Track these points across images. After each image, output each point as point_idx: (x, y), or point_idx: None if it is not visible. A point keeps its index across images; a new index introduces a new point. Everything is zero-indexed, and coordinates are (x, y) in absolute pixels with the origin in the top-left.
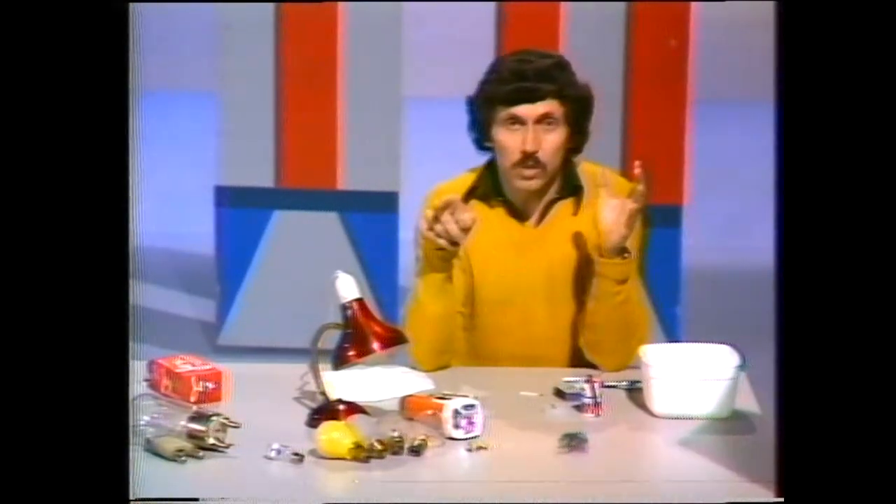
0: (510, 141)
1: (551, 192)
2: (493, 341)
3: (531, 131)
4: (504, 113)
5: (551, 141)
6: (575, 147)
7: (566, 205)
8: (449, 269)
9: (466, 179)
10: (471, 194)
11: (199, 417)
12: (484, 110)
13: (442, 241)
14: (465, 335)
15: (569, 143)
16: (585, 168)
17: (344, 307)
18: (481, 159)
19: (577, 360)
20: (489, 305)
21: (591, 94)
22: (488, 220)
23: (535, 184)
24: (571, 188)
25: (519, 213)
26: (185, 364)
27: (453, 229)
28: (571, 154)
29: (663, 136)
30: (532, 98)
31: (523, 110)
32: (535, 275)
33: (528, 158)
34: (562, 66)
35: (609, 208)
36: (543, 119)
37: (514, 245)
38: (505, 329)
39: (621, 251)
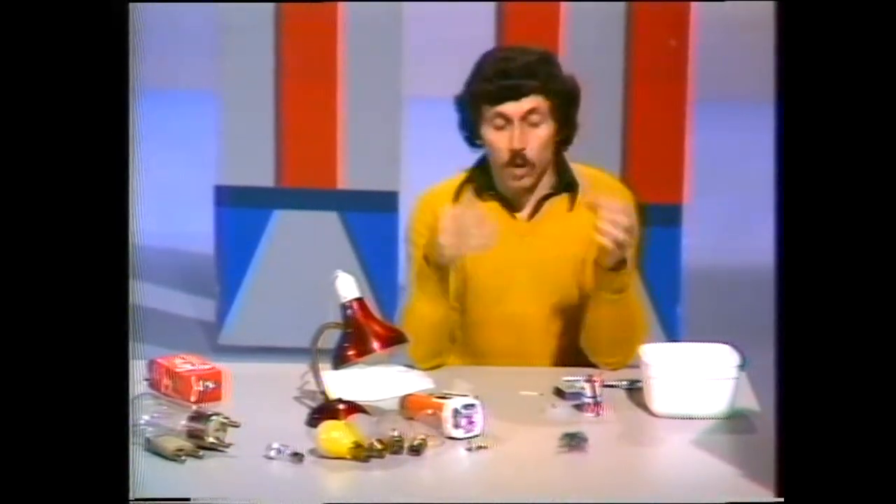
0: (498, 140)
1: (544, 187)
2: (485, 335)
3: (517, 129)
4: (490, 112)
5: (538, 137)
6: (565, 139)
7: (560, 201)
8: (446, 274)
9: (459, 179)
10: (463, 187)
11: (199, 417)
12: (471, 109)
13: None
14: (458, 329)
15: (557, 136)
16: (580, 170)
17: (344, 307)
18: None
19: (569, 356)
20: (480, 299)
21: (577, 86)
22: None
23: (526, 182)
24: (565, 184)
25: (511, 208)
26: (185, 363)
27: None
28: (562, 147)
29: (663, 136)
30: (516, 95)
31: (508, 108)
32: (527, 269)
33: (517, 157)
34: (545, 60)
35: (603, 228)
36: (529, 115)
37: (506, 239)
38: (496, 323)
39: (617, 266)
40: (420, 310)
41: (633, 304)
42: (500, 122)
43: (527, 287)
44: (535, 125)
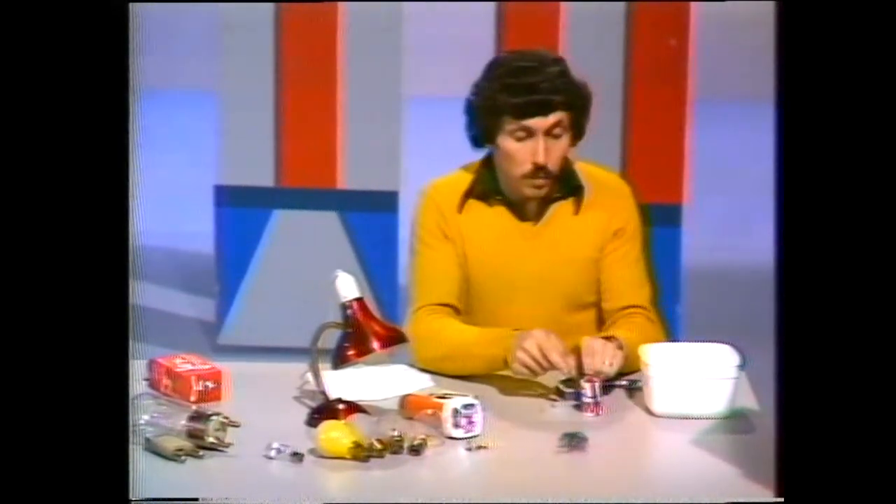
0: (519, 152)
1: (551, 191)
2: None
3: (541, 142)
4: (513, 124)
5: (560, 149)
6: (571, 144)
7: (566, 204)
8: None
9: (463, 176)
10: (469, 193)
11: (199, 417)
12: (489, 118)
13: (528, 368)
14: None
15: (571, 144)
16: (582, 168)
17: (344, 306)
18: (480, 157)
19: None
20: (485, 302)
21: (590, 94)
22: (487, 218)
23: (544, 192)
24: (571, 188)
25: (518, 212)
26: (184, 363)
27: (542, 362)
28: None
29: (663, 136)
30: (544, 111)
31: (535, 123)
32: (534, 272)
33: (540, 170)
34: (564, 72)
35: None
36: (553, 129)
37: (512, 243)
38: (501, 325)
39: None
40: (471, 355)
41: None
42: (521, 134)
43: (533, 290)
44: (557, 138)
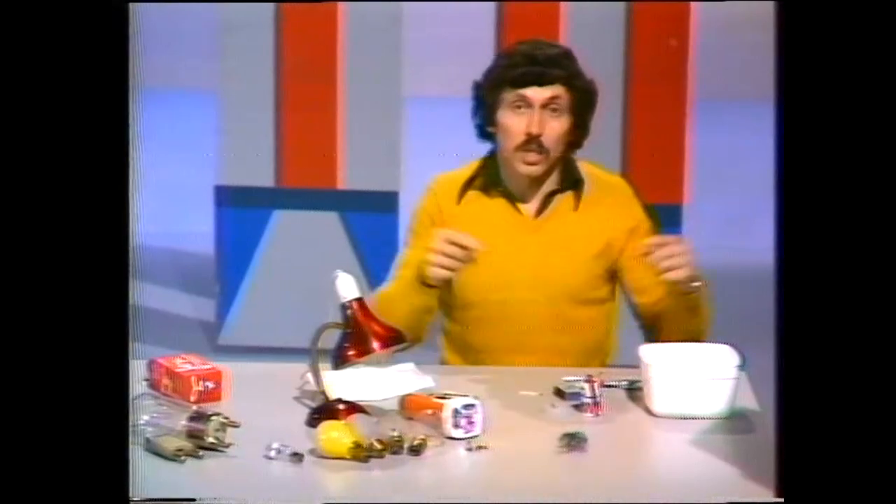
0: (516, 123)
1: (551, 184)
2: (488, 331)
3: (537, 114)
4: (512, 94)
5: (556, 127)
6: (575, 141)
7: (566, 198)
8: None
9: (468, 169)
10: (470, 184)
11: (199, 417)
12: (491, 93)
13: (446, 267)
14: (459, 325)
15: (569, 136)
16: (586, 167)
17: (344, 307)
18: (481, 158)
19: (571, 354)
20: (485, 294)
21: (596, 89)
22: (486, 211)
23: (536, 169)
24: (571, 182)
25: (518, 205)
26: (184, 363)
27: (457, 252)
28: (571, 149)
29: (663, 136)
30: (541, 81)
31: (531, 92)
32: (532, 265)
33: (532, 142)
34: (570, 56)
35: (671, 267)
36: (550, 103)
37: (512, 235)
38: (500, 319)
39: (694, 287)
40: (394, 296)
41: (703, 301)
42: (520, 104)
43: (531, 283)
44: (554, 115)
